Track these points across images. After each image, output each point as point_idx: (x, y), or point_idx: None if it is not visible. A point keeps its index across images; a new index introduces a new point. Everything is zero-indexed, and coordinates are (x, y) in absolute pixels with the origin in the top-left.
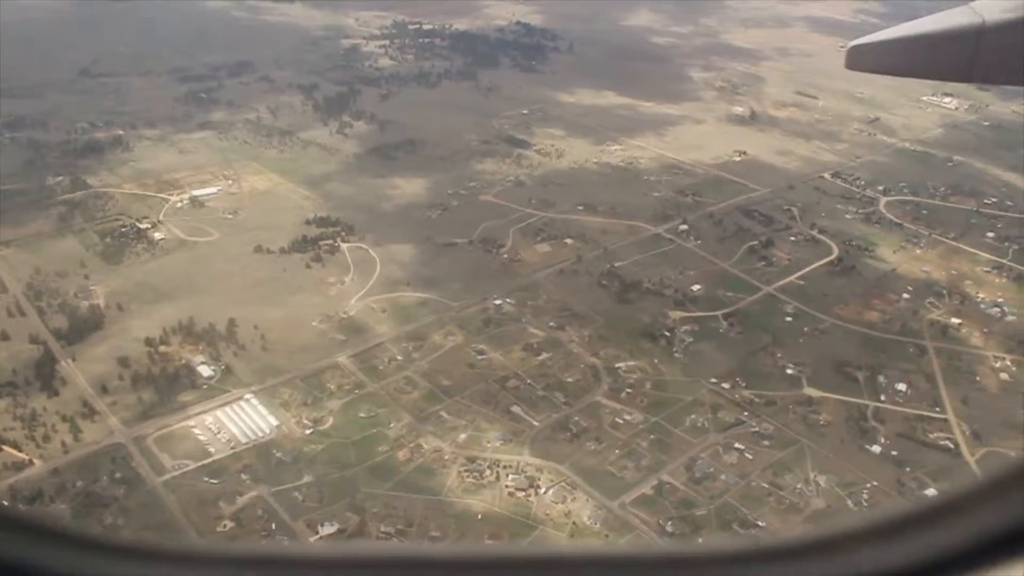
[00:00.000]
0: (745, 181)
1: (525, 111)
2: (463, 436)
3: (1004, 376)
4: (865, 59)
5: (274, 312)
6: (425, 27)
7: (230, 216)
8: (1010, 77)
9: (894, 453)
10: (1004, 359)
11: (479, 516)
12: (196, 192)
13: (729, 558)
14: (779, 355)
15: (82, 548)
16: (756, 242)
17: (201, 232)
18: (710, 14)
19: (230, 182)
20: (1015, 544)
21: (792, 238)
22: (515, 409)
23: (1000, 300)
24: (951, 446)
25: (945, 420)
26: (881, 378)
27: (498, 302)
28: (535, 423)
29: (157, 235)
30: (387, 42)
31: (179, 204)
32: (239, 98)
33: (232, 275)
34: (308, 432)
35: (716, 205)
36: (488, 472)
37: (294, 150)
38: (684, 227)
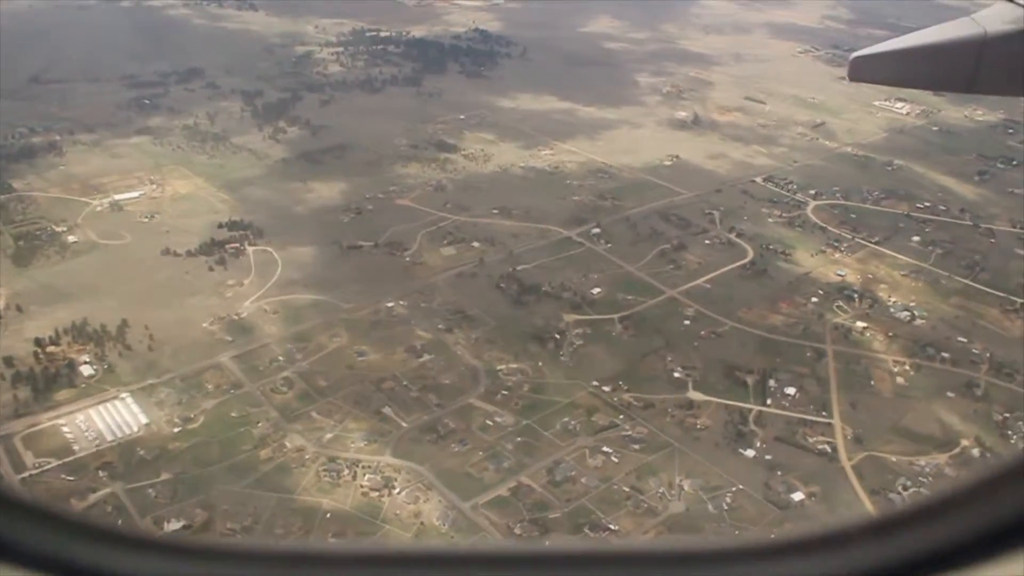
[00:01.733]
0: (671, 185)
1: (462, 116)
2: (329, 436)
3: (900, 380)
4: (867, 70)
5: (168, 313)
6: (382, 34)
7: (146, 220)
8: (1013, 88)
9: (768, 457)
10: (904, 363)
11: (327, 515)
12: (118, 196)
13: (730, 554)
14: (669, 358)
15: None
16: (668, 246)
17: (115, 235)
18: (672, 20)
19: (154, 186)
20: (1013, 538)
21: (707, 242)
22: (386, 410)
23: (912, 304)
24: (829, 450)
25: (830, 424)
26: (771, 382)
27: (390, 304)
28: (403, 424)
29: (71, 238)
30: (341, 49)
31: (99, 208)
32: (181, 104)
33: (135, 277)
34: (176, 430)
35: (635, 209)
36: (346, 472)
37: (224, 155)
38: (596, 231)
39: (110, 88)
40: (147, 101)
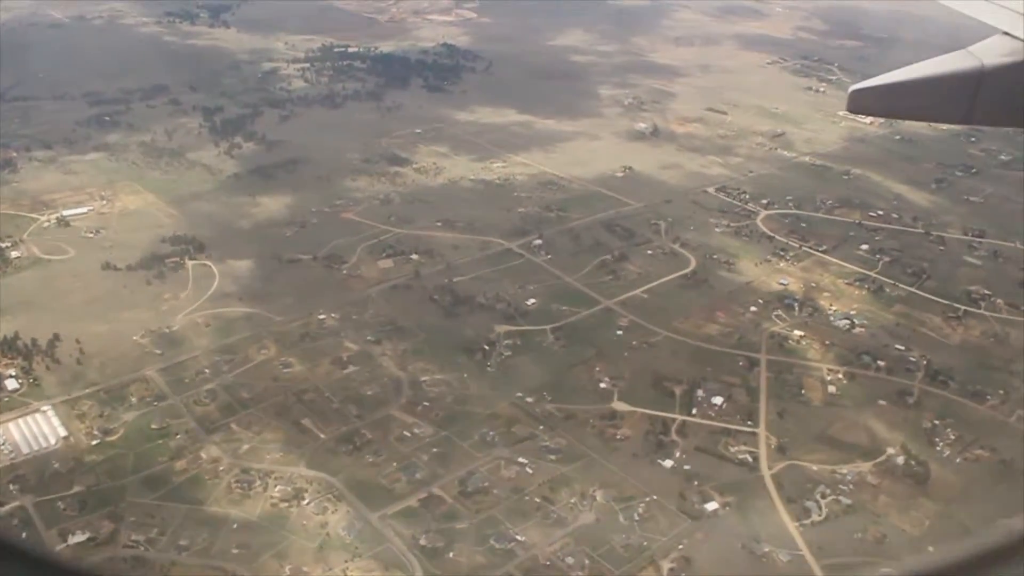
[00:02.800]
0: (620, 196)
1: (418, 130)
2: (246, 447)
3: (832, 389)
4: (866, 103)
5: (100, 327)
6: (350, 50)
7: (91, 235)
8: (1012, 119)
9: (687, 467)
10: (838, 372)
11: (234, 525)
12: (66, 212)
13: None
14: (598, 369)
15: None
16: (609, 256)
17: (58, 250)
18: (643, 33)
19: (104, 202)
20: None
21: (650, 252)
22: (305, 421)
23: (853, 312)
24: (750, 460)
25: (754, 434)
26: (699, 392)
27: (322, 317)
28: (321, 436)
29: (14, 254)
30: (307, 65)
31: (46, 224)
32: (141, 121)
33: (73, 292)
34: (94, 443)
35: (580, 220)
36: (258, 483)
37: (178, 171)
38: (538, 242)
39: (73, 105)
40: (107, 118)
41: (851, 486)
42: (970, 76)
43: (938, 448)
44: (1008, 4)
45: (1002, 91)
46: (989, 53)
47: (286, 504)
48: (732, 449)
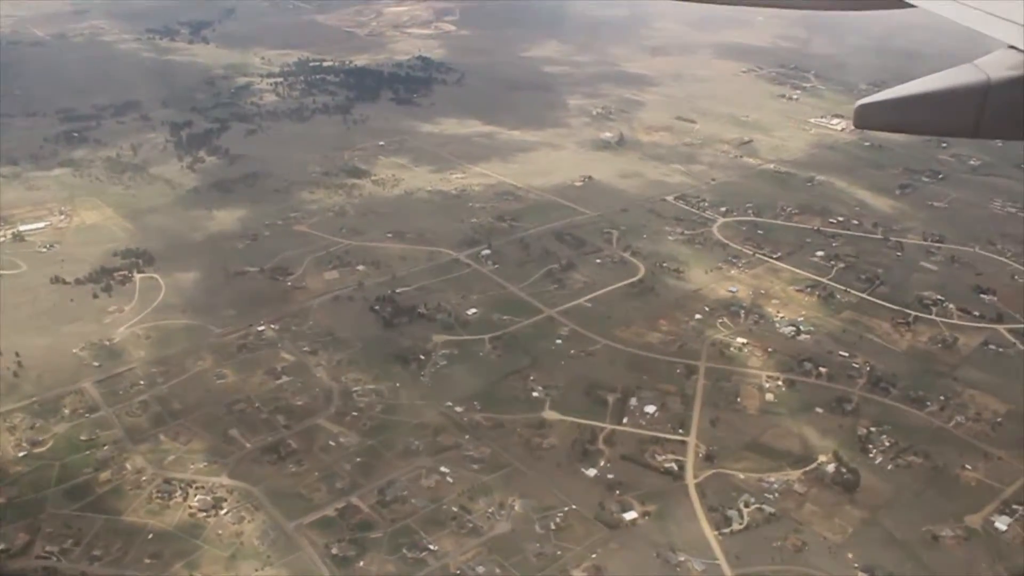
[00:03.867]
0: (576, 205)
1: (381, 143)
2: (171, 458)
3: (769, 397)
4: (873, 117)
5: (42, 340)
6: (325, 64)
7: (44, 249)
8: (1018, 132)
9: (610, 476)
10: (777, 379)
11: (150, 535)
12: (23, 227)
13: None
14: (532, 378)
15: None
16: (556, 266)
17: (11, 265)
18: (620, 43)
19: (63, 216)
20: None
21: (599, 261)
22: (232, 432)
23: (800, 319)
24: (675, 468)
25: (684, 442)
26: (633, 400)
27: (261, 328)
28: (247, 446)
29: None
30: (281, 79)
31: (1, 239)
32: (108, 137)
33: (20, 305)
34: (22, 455)
35: (532, 230)
36: (179, 493)
37: (140, 185)
38: (486, 252)
39: (45, 122)
40: (76, 134)
41: (777, 494)
42: (976, 90)
43: (871, 455)
44: (1014, 18)
45: (1009, 104)
46: (995, 67)
47: (204, 514)
48: (659, 458)
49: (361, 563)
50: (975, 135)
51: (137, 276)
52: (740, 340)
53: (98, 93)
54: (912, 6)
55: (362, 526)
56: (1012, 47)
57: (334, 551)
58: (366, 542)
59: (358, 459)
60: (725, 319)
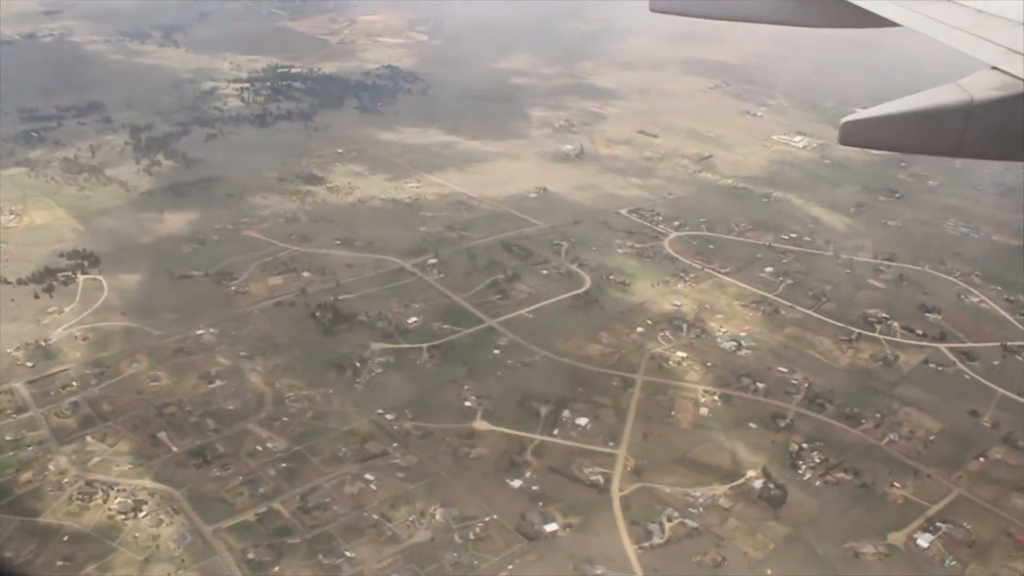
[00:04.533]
0: (528, 216)
1: (340, 150)
2: (96, 460)
3: (704, 411)
4: (858, 135)
5: None
6: (293, 71)
7: None
8: (1001, 152)
9: (535, 488)
10: (714, 394)
11: (65, 537)
12: None
13: None
14: (466, 388)
15: None
16: (501, 276)
17: None
18: (590, 57)
19: (12, 216)
20: None
21: (545, 272)
22: (161, 435)
23: (742, 335)
24: (601, 481)
25: (613, 455)
26: (566, 412)
27: (200, 332)
28: (174, 449)
29: None
30: (247, 85)
31: None
32: (68, 137)
33: None
34: None
35: (481, 240)
36: (99, 495)
37: (94, 187)
38: (433, 261)
39: (6, 121)
40: (35, 134)
41: (701, 509)
42: (960, 109)
43: (800, 471)
44: (996, 40)
45: (991, 124)
46: (978, 87)
47: (123, 516)
48: (586, 470)
49: (276, 568)
50: (958, 154)
51: (81, 277)
52: (680, 354)
53: (62, 94)
54: (897, 26)
55: (281, 532)
56: (995, 68)
57: (250, 556)
58: (283, 548)
59: (284, 464)
60: (667, 333)
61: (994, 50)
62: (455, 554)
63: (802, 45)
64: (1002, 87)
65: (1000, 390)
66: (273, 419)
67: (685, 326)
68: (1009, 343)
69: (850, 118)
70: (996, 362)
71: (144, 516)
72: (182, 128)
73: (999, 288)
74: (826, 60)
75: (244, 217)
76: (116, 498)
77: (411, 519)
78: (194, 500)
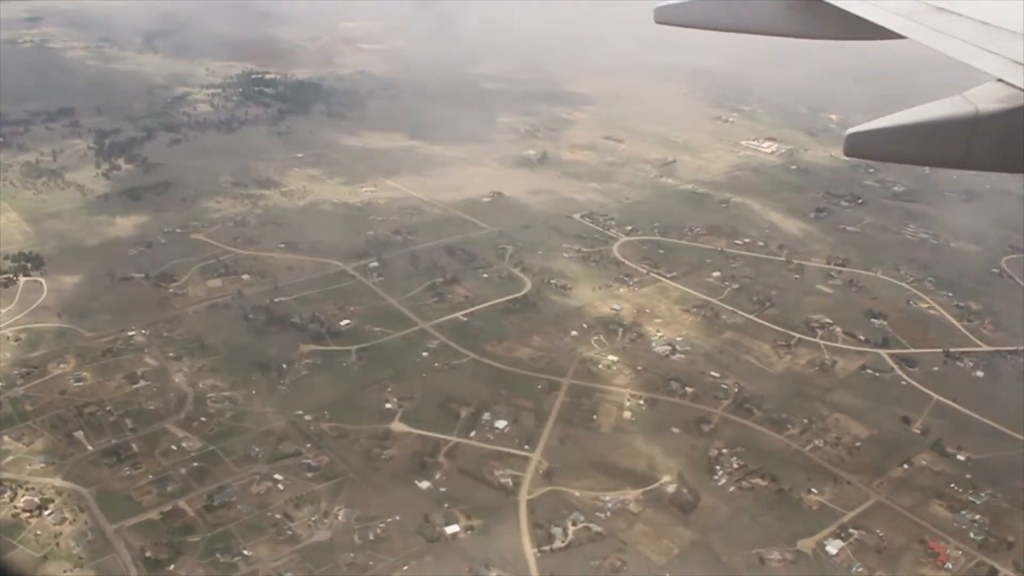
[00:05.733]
0: (478, 220)
1: (300, 154)
2: (10, 459)
3: (627, 415)
4: (863, 146)
5: None
6: (267, 76)
7: None
8: (1007, 164)
9: (443, 490)
10: (640, 398)
11: None
12: None
13: None
14: (389, 390)
15: None
16: (441, 279)
17: None
18: (567, 63)
19: None
20: None
21: (486, 275)
22: (78, 434)
23: (679, 339)
24: (511, 484)
25: (528, 458)
26: (486, 415)
27: (131, 333)
28: (89, 448)
29: None
30: (219, 91)
31: None
32: (33, 142)
33: None
34: None
35: (426, 244)
36: (8, 493)
37: (52, 191)
38: (374, 264)
39: None
40: (1, 139)
41: (609, 513)
42: (965, 121)
43: (716, 476)
44: (1002, 51)
45: (997, 136)
46: (984, 99)
47: (27, 514)
48: (496, 473)
49: (172, 567)
50: (963, 166)
51: (22, 279)
52: (611, 358)
53: (34, 99)
54: (902, 38)
55: (183, 530)
56: (1000, 80)
57: (148, 554)
58: (183, 546)
59: (195, 464)
60: (601, 336)
61: (999, 62)
62: (352, 554)
63: (786, 53)
64: (1007, 99)
65: (936, 396)
66: (192, 419)
67: (621, 330)
68: (952, 349)
69: (854, 130)
70: (936, 368)
71: (49, 514)
72: (147, 133)
73: (951, 294)
74: (807, 68)
75: (194, 220)
76: (23, 496)
77: (313, 519)
78: (101, 498)
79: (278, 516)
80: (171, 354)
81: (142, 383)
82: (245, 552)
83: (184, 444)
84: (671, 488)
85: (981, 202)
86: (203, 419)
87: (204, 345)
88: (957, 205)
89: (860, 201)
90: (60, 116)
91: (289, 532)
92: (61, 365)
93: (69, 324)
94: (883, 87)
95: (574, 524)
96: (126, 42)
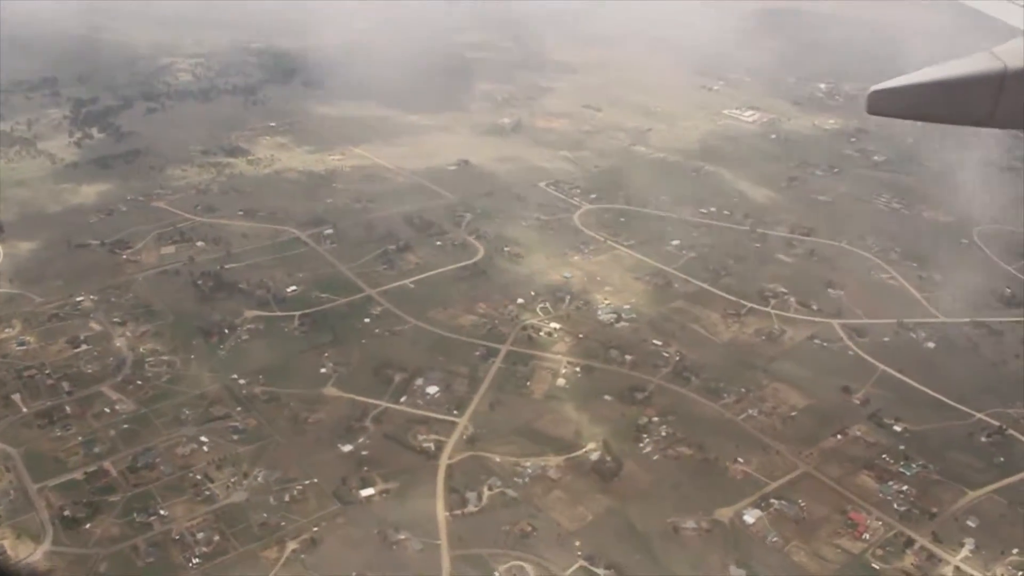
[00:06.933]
0: (441, 188)
1: (273, 123)
2: None
3: (561, 382)
4: (886, 103)
5: None
6: (253, 46)
7: None
8: None
9: (364, 453)
10: (576, 366)
11: None
12: None
13: None
14: (327, 355)
15: None
16: (393, 247)
17: None
18: (557, 32)
19: None
20: None
21: (439, 243)
22: (15, 396)
23: (626, 307)
24: (433, 448)
25: (455, 424)
26: (420, 381)
27: (80, 298)
28: (24, 410)
29: None
30: (203, 60)
31: None
32: (10, 111)
33: None
34: None
35: (383, 211)
36: None
37: (23, 159)
38: (329, 231)
39: None
40: None
41: (527, 479)
42: (992, 78)
43: (642, 444)
44: None
45: None
46: (1012, 55)
47: None
48: (420, 438)
49: (88, 525)
50: (989, 124)
51: None
52: (554, 325)
53: (18, 68)
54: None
55: (104, 490)
56: None
57: (66, 513)
58: (102, 505)
59: (126, 426)
60: (547, 304)
61: None
62: (265, 515)
63: (776, 23)
64: None
65: (882, 367)
66: (128, 382)
67: (568, 298)
68: (906, 320)
69: (878, 87)
70: (887, 339)
71: None
72: (125, 102)
73: (915, 265)
74: (796, 36)
75: (158, 189)
76: None
77: (233, 480)
78: (29, 459)
79: (198, 477)
80: (116, 319)
81: (84, 347)
82: (161, 512)
83: (118, 407)
84: (595, 455)
85: (962, 173)
86: (139, 382)
87: (150, 311)
88: (937, 176)
89: (836, 171)
90: (42, 86)
91: (207, 493)
92: (7, 330)
93: (20, 290)
94: (881, 55)
95: (490, 489)
96: (117, 12)
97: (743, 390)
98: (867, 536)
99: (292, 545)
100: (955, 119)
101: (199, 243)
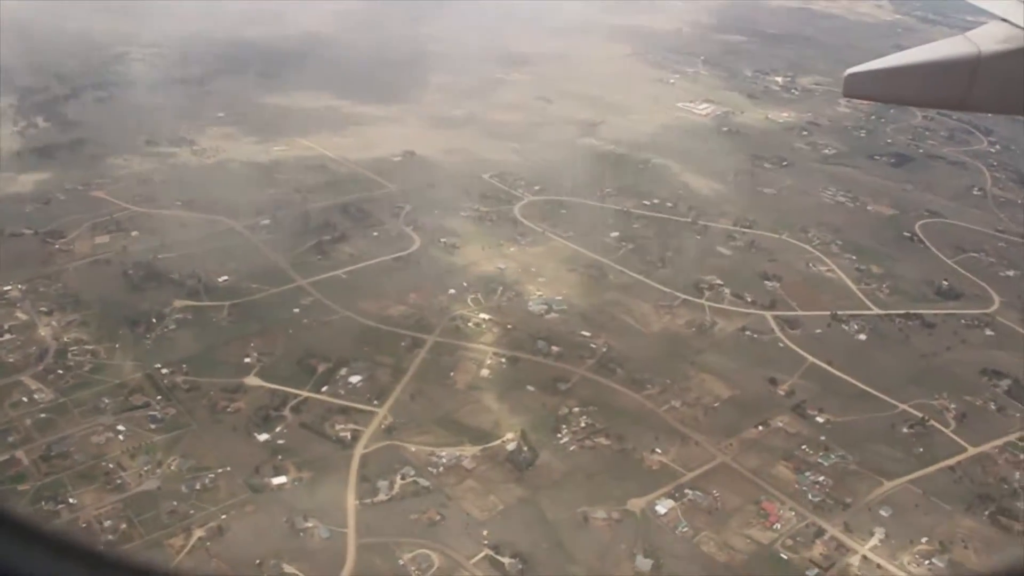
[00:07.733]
0: (382, 179)
1: (221, 114)
2: None
3: (485, 373)
4: (861, 87)
5: None
6: (214, 36)
7: None
8: (1007, 105)
9: (280, 442)
10: (502, 357)
11: None
12: None
13: None
14: (252, 345)
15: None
16: (328, 237)
17: None
18: (519, 23)
19: None
20: None
21: (376, 234)
22: None
23: (558, 298)
24: (349, 438)
25: (374, 413)
26: (343, 371)
27: (8, 288)
28: None
29: None
30: (158, 49)
31: None
32: None
33: None
34: None
35: (322, 202)
36: None
37: None
38: (265, 222)
39: None
40: None
41: (441, 469)
42: (966, 62)
43: (560, 435)
44: None
45: (998, 77)
46: (986, 39)
47: None
48: (337, 427)
49: None
50: (962, 107)
51: None
52: (483, 316)
53: None
54: None
55: (15, 479)
56: (1003, 20)
57: None
58: (11, 494)
59: (43, 415)
60: (478, 295)
61: (1003, 2)
62: (175, 503)
63: (740, 16)
64: (1010, 39)
65: (811, 358)
66: (49, 372)
67: (500, 289)
68: (840, 312)
69: (854, 69)
70: (819, 331)
71: None
72: (73, 92)
73: (854, 257)
74: (760, 31)
75: (99, 178)
76: None
77: (146, 469)
78: None
79: (111, 466)
80: (43, 309)
81: (7, 336)
82: (71, 500)
83: (36, 396)
84: (511, 446)
85: (910, 166)
86: (60, 372)
87: (78, 300)
88: (886, 169)
89: (785, 164)
90: None
91: (118, 481)
92: None
93: None
94: (837, 46)
95: (403, 478)
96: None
97: (668, 381)
98: (778, 526)
99: (199, 533)
100: (929, 102)
101: (134, 233)
